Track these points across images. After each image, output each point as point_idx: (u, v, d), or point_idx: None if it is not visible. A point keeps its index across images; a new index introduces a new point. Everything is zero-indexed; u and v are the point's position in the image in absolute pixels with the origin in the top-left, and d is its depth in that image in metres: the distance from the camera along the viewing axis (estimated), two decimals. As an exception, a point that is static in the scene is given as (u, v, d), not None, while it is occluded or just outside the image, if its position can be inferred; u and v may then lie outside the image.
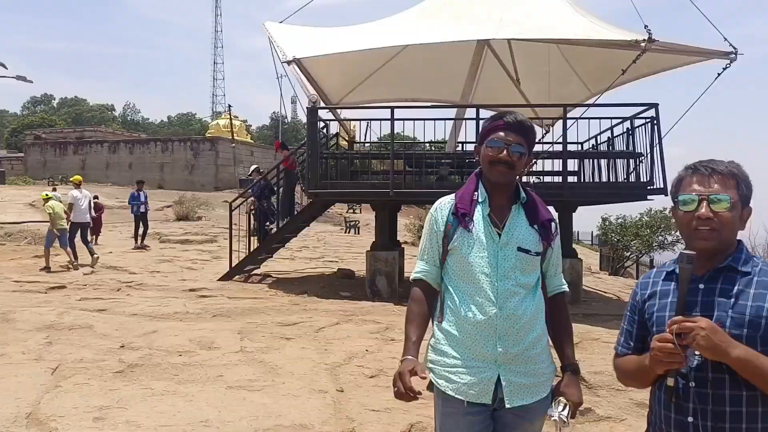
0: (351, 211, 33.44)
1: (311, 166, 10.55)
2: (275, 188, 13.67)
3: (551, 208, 2.58)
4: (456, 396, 2.35)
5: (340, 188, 10.95)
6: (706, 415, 1.82)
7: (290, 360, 6.21)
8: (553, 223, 2.48)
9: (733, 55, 9.58)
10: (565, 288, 2.58)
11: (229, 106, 46.43)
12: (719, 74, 9.71)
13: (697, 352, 1.81)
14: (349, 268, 13.30)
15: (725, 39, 9.55)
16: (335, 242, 21.83)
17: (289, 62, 10.41)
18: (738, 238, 1.99)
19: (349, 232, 27.06)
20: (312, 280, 12.25)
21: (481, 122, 6.72)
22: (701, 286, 1.91)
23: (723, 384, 1.81)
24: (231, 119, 42.37)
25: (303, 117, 12.38)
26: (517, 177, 2.48)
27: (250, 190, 14.21)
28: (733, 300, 1.85)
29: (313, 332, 7.50)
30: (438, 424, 2.45)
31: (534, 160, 11.01)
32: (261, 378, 5.59)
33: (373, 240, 11.42)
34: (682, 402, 1.85)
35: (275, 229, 12.63)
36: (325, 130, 12.16)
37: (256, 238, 13.11)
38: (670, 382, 1.83)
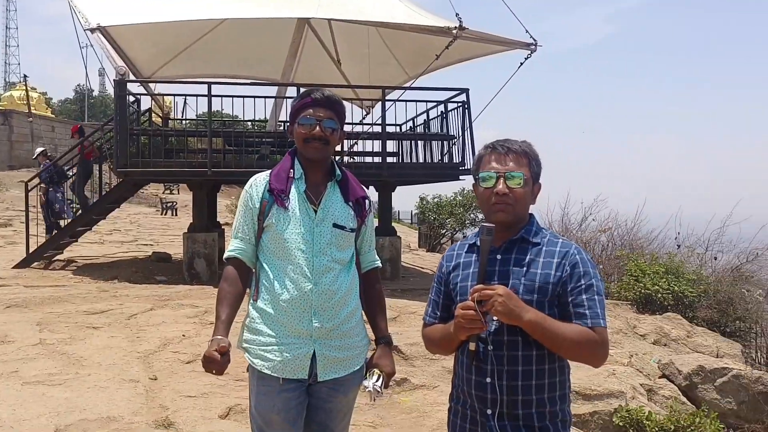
0: (168, 191, 31.83)
1: (120, 143, 9.82)
2: (68, 173, 12.65)
3: (371, 188, 2.62)
4: (272, 374, 2.33)
5: (153, 167, 10.32)
6: (502, 375, 1.96)
7: (97, 350, 5.77)
8: (367, 201, 2.53)
9: (533, 47, 10.39)
10: (378, 263, 2.65)
11: (25, 76, 41.98)
12: (522, 63, 10.52)
13: (495, 318, 1.93)
14: (165, 252, 12.65)
15: (527, 31, 10.33)
16: (150, 224, 20.65)
17: (92, 30, 9.55)
18: (530, 212, 2.16)
19: (165, 214, 25.71)
20: (124, 264, 11.49)
21: (291, 101, 6.67)
22: (498, 256, 2.04)
23: (517, 346, 1.96)
24: (27, 91, 38.35)
25: (112, 91, 11.47)
26: (332, 155, 2.50)
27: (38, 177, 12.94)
28: (525, 269, 2.00)
29: (124, 320, 7.04)
30: (253, 403, 2.41)
31: (354, 141, 11.21)
32: (63, 371, 5.14)
33: (191, 221, 10.96)
34: (481, 365, 1.97)
35: (63, 223, 11.71)
36: (136, 105, 11.40)
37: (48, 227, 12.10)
38: (472, 346, 1.94)
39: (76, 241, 11.98)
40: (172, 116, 14.19)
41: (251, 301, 2.45)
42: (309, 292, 2.33)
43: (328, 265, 2.37)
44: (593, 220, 13.60)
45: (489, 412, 1.98)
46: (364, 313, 2.56)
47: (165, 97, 13.79)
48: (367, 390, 2.42)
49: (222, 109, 14.69)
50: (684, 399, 6.71)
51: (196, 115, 17.36)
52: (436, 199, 20.33)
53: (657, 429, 5.14)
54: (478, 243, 2.05)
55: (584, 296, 1.96)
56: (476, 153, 2.16)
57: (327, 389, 2.41)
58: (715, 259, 11.94)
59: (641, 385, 6.38)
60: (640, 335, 8.53)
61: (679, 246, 12.38)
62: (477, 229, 2.19)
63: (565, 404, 2.03)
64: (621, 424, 5.28)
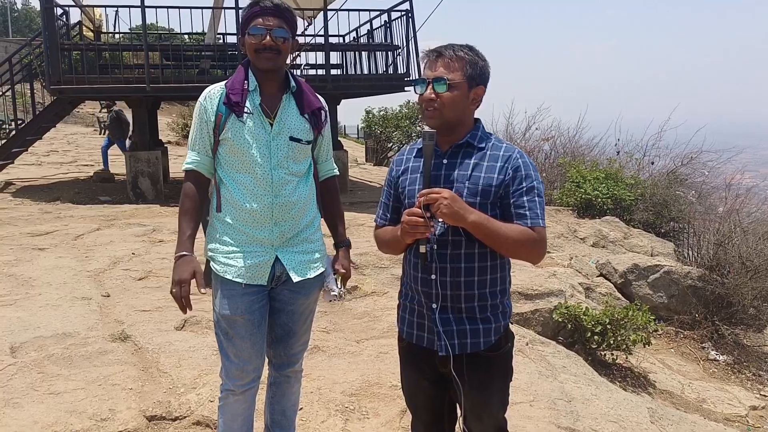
0: (105, 110, 30.63)
1: (51, 59, 9.37)
2: None
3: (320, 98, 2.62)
4: (234, 279, 2.40)
5: (88, 84, 9.92)
6: (446, 272, 2.07)
7: (46, 271, 5.73)
8: (323, 111, 2.54)
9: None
10: (336, 171, 2.71)
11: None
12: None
13: (440, 220, 2.02)
14: (107, 171, 12.37)
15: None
16: (89, 144, 19.99)
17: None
18: (477, 117, 2.20)
19: (104, 133, 24.88)
20: (65, 185, 11.20)
21: (241, 12, 6.45)
22: (445, 161, 2.11)
23: (460, 245, 2.07)
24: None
25: (37, 3, 10.80)
26: (287, 66, 2.48)
27: None
28: (469, 172, 2.08)
29: (70, 240, 6.96)
30: (217, 308, 2.47)
31: (297, 53, 10.94)
32: (12, 292, 5.11)
33: (133, 140, 10.68)
34: (427, 263, 2.08)
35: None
36: (64, 18, 10.80)
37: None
38: (422, 249, 2.04)
39: (12, 162, 11.57)
40: (103, 30, 13.49)
41: (214, 212, 2.48)
42: (270, 204, 2.38)
43: (286, 177, 2.41)
44: (536, 129, 13.82)
45: (434, 306, 2.11)
46: (321, 221, 2.64)
47: (95, 9, 13.06)
48: (331, 292, 2.53)
49: (157, 22, 14.05)
50: (619, 295, 7.14)
51: (130, 29, 16.57)
52: (382, 113, 20.21)
53: (593, 323, 5.49)
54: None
55: (525, 198, 2.05)
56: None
57: (289, 292, 2.50)
58: (652, 163, 12.36)
59: (580, 284, 6.74)
60: (580, 238, 8.91)
61: (618, 152, 12.73)
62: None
63: (505, 297, 2.17)
64: (560, 320, 5.61)
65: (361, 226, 7.76)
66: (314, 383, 3.75)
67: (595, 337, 5.47)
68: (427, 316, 2.13)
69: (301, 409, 3.37)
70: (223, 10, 11.30)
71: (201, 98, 2.44)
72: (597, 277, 7.53)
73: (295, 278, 2.45)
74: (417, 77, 2.17)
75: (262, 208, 2.38)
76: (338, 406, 3.53)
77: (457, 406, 2.23)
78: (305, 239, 2.50)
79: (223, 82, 2.46)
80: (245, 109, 2.37)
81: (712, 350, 6.97)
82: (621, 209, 10.48)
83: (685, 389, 5.87)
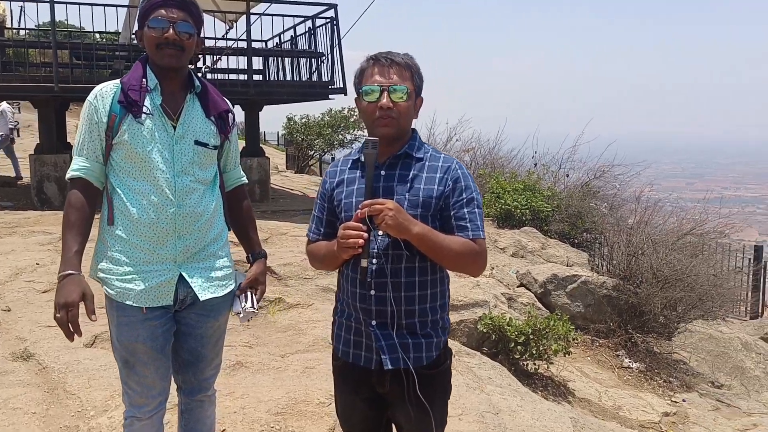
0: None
1: (-52, 53, 8.70)
2: None
3: (237, 108, 2.46)
4: (134, 305, 2.16)
5: (-10, 81, 9.27)
6: (385, 287, 1.99)
7: (-63, 283, 5.26)
8: (230, 114, 2.36)
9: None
10: (245, 180, 2.53)
11: None
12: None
13: (380, 233, 1.93)
14: (8, 175, 11.61)
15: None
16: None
17: None
18: (413, 127, 2.14)
19: (6, 135, 23.44)
20: (-40, 190, 10.44)
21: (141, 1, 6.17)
22: (382, 172, 2.03)
23: (401, 259, 1.99)
24: None
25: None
26: (206, 68, 2.31)
27: None
28: (409, 184, 2.01)
29: (-34, 249, 6.44)
30: (114, 335, 2.23)
31: (218, 57, 10.65)
32: None
33: (38, 142, 10.07)
34: (366, 278, 1.99)
35: None
36: (-37, 10, 10.07)
37: None
38: (364, 263, 1.93)
39: None
40: (8, 26, 12.69)
41: (105, 226, 2.21)
42: (172, 215, 2.16)
43: (191, 185, 2.20)
44: (457, 140, 14.01)
45: (374, 323, 2.02)
46: (231, 234, 2.45)
47: (-2, 2, 12.27)
48: (240, 315, 2.35)
49: (67, 20, 13.37)
50: (540, 305, 7.27)
51: (37, 26, 15.71)
52: (304, 120, 20.00)
53: (516, 333, 5.54)
54: (362, 158, 2.02)
55: (465, 210, 2.01)
56: (359, 65, 2.09)
57: (196, 315, 2.29)
58: (567, 176, 12.77)
59: (502, 294, 6.82)
60: (501, 248, 9.06)
61: (536, 164, 13.08)
62: (356, 147, 2.16)
63: (445, 312, 2.11)
64: (485, 330, 5.64)
65: (283, 235, 7.58)
66: (237, 402, 3.58)
67: (519, 347, 5.53)
68: (366, 333, 2.04)
69: (224, 430, 3.20)
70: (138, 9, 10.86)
71: (90, 97, 2.18)
72: (518, 287, 7.65)
73: (203, 296, 2.24)
74: (357, 81, 2.07)
75: (163, 220, 2.15)
76: (263, 427, 3.37)
77: (394, 427, 2.15)
78: (212, 254, 2.29)
79: (117, 80, 2.22)
80: (144, 109, 2.14)
81: (626, 358, 7.20)
82: (539, 220, 10.75)
83: (602, 397, 6.02)
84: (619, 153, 12.49)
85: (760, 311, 11.72)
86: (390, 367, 1.99)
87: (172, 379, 2.38)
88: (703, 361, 7.83)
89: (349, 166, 2.13)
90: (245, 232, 2.48)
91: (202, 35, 2.31)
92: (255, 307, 2.37)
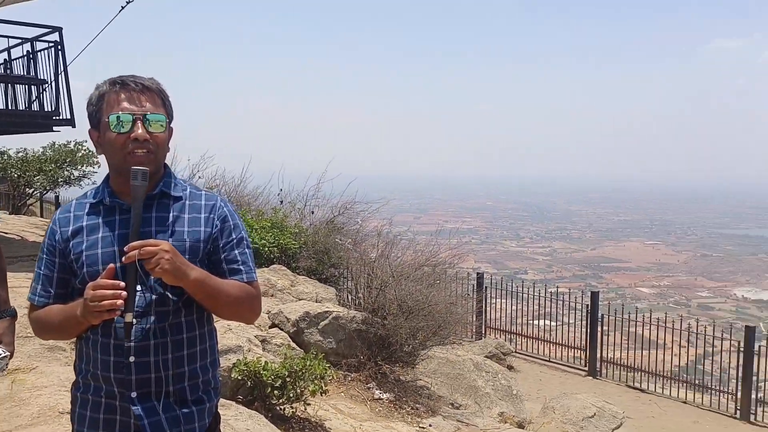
0: None
1: None
2: None
3: None
4: None
5: None
6: (148, 351, 1.69)
7: None
8: None
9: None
10: None
11: None
12: (123, 7, 9.68)
13: (139, 287, 1.64)
14: None
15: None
16: None
17: None
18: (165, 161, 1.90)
19: None
20: None
21: None
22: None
23: (167, 315, 1.71)
24: None
25: None
26: None
27: None
28: (170, 228, 1.76)
29: None
30: None
31: None
32: None
33: None
34: (123, 342, 1.67)
35: None
36: None
37: None
38: (129, 318, 1.60)
39: None
40: None
41: None
42: None
43: None
44: (200, 177, 13.51)
45: (134, 395, 1.70)
46: None
47: None
48: None
49: None
50: (294, 344, 7.18)
51: None
52: (20, 154, 17.73)
53: (273, 377, 5.36)
54: (105, 200, 1.72)
55: (237, 251, 1.83)
56: (95, 89, 1.77)
57: None
58: (313, 213, 13.01)
59: (256, 336, 6.59)
60: (251, 288, 8.82)
61: (281, 201, 13.13)
62: (88, 189, 1.85)
63: (215, 370, 1.87)
64: (240, 378, 5.36)
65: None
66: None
67: (275, 391, 5.35)
68: (121, 409, 1.70)
69: None
70: None
71: None
72: (270, 327, 7.48)
73: None
74: (95, 108, 1.75)
75: None
76: None
77: None
78: None
79: None
80: None
81: (377, 389, 7.41)
82: (287, 257, 10.74)
83: (357, 432, 6.07)
84: (360, 190, 13.11)
85: (483, 332, 13.08)
86: None
87: None
88: (443, 384, 8.39)
89: (86, 211, 1.79)
90: None
91: None
92: (6, 366, 2.16)
